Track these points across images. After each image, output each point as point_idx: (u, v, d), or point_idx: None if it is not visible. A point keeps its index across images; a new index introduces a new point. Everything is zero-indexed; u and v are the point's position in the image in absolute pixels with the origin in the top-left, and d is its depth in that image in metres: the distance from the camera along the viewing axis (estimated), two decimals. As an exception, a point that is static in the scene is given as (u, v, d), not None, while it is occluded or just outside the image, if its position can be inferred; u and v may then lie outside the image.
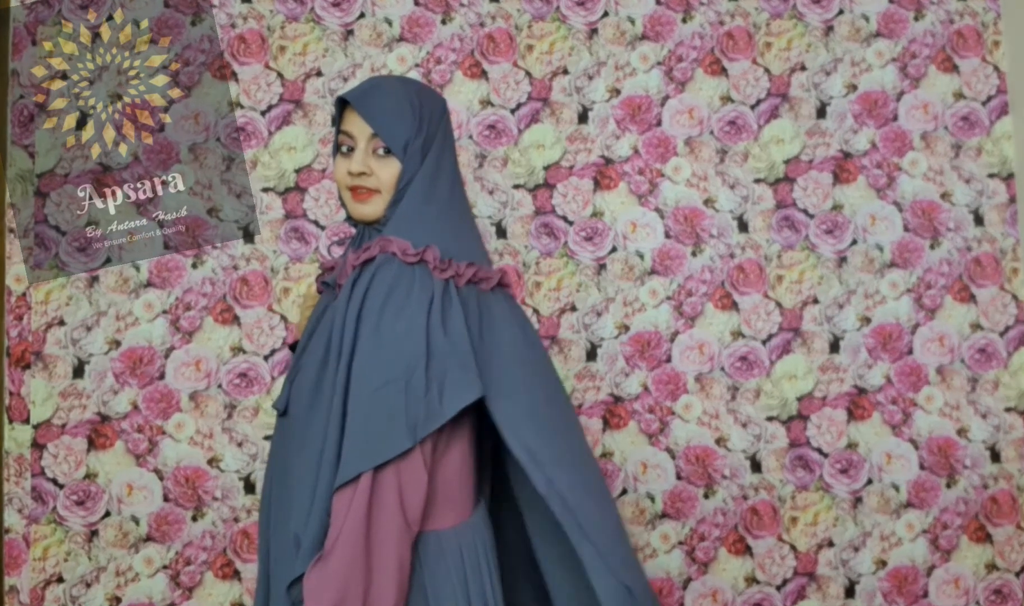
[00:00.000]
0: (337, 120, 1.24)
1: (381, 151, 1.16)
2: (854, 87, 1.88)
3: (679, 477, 1.79)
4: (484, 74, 1.84)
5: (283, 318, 1.76)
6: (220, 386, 1.74)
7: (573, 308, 1.81)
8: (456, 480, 1.15)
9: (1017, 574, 1.82)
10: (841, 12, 1.89)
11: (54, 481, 1.70)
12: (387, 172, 1.16)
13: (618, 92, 1.86)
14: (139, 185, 1.74)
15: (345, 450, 1.03)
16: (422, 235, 1.13)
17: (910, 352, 1.84)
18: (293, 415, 1.14)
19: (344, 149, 1.21)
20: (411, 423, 1.02)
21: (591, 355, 1.81)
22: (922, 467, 1.81)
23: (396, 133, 1.15)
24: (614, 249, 1.82)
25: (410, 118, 1.16)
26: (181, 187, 1.76)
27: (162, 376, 1.73)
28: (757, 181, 1.85)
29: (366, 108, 1.17)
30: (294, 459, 1.11)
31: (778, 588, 1.79)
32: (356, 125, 1.18)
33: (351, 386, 1.05)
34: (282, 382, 1.74)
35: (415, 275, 1.10)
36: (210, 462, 1.73)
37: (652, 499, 1.79)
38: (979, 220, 1.87)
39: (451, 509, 1.14)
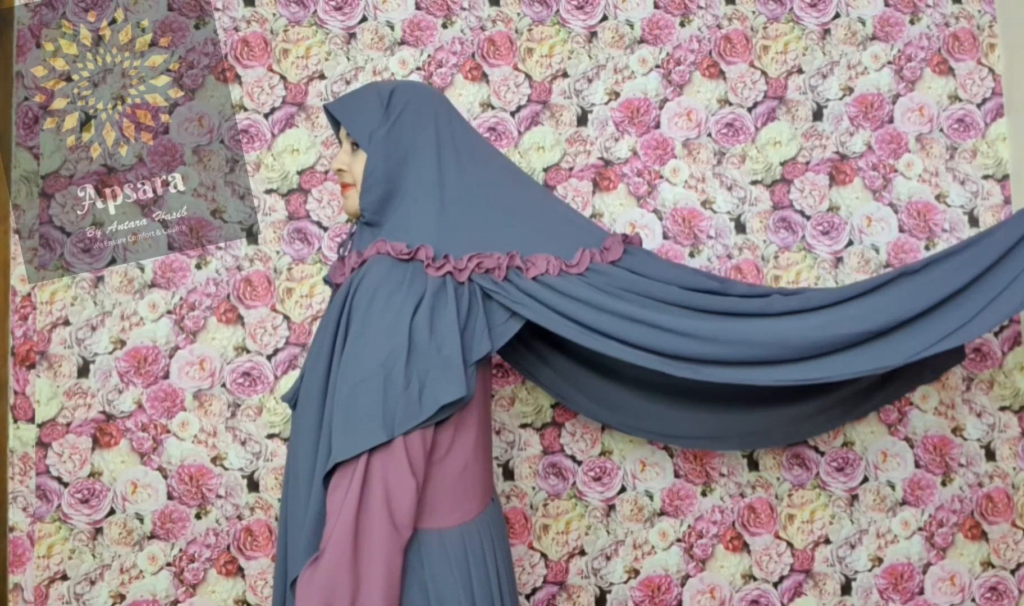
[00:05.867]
0: (335, 131, 1.32)
1: (356, 146, 1.22)
2: (850, 90, 1.90)
3: (677, 475, 1.81)
4: (484, 77, 1.85)
5: (286, 318, 1.78)
6: (224, 385, 1.76)
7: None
8: (459, 480, 1.15)
9: (1012, 571, 1.84)
10: (837, 16, 1.91)
11: (59, 479, 1.72)
12: (358, 164, 1.21)
13: (617, 95, 1.87)
14: (139, 186, 1.76)
15: (331, 442, 1.05)
16: (417, 234, 1.15)
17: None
18: (300, 409, 1.17)
19: None
20: (388, 417, 1.03)
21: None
22: (917, 466, 1.83)
23: (360, 124, 1.19)
24: (613, 250, 1.84)
25: (376, 109, 1.18)
26: (182, 187, 1.78)
27: (166, 375, 1.75)
28: (754, 183, 1.87)
29: (337, 107, 1.23)
30: (301, 453, 1.13)
31: (775, 585, 1.81)
32: (341, 128, 1.26)
33: (337, 379, 1.07)
34: (286, 380, 1.77)
35: (407, 273, 1.11)
36: (214, 460, 1.74)
37: (650, 496, 1.80)
38: (974, 221, 1.88)
39: (455, 508, 1.15)
